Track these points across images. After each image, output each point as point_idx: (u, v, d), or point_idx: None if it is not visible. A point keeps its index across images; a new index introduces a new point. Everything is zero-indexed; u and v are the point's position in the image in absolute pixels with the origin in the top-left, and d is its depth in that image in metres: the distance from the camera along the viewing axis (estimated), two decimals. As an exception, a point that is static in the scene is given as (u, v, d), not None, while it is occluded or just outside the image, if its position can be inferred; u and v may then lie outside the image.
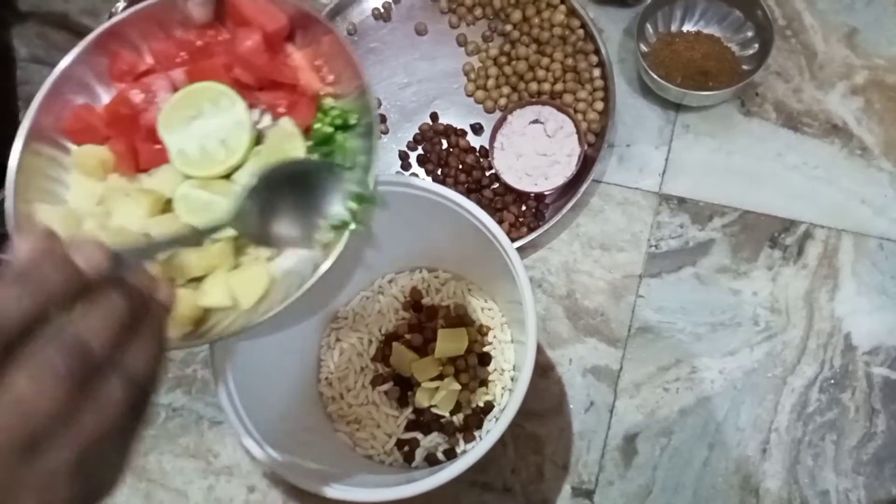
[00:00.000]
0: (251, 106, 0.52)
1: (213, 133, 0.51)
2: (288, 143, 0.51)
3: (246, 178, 0.50)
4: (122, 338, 0.32)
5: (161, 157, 0.52)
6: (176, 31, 0.54)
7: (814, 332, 0.74)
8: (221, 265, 0.49)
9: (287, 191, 0.47)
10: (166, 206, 0.51)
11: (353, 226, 0.48)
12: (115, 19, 0.53)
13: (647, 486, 0.71)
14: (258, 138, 0.52)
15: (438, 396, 0.69)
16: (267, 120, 0.52)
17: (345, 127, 0.51)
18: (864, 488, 0.69)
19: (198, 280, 0.50)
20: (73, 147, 0.53)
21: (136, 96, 0.53)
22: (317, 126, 0.51)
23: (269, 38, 0.52)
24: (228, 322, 0.49)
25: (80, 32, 0.93)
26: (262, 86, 0.53)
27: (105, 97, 0.54)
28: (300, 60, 0.53)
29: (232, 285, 0.49)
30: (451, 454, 0.70)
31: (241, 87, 0.52)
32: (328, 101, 0.52)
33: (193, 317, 0.49)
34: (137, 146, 0.52)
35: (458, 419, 0.70)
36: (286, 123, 0.51)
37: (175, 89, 0.53)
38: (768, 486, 0.70)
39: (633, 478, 0.72)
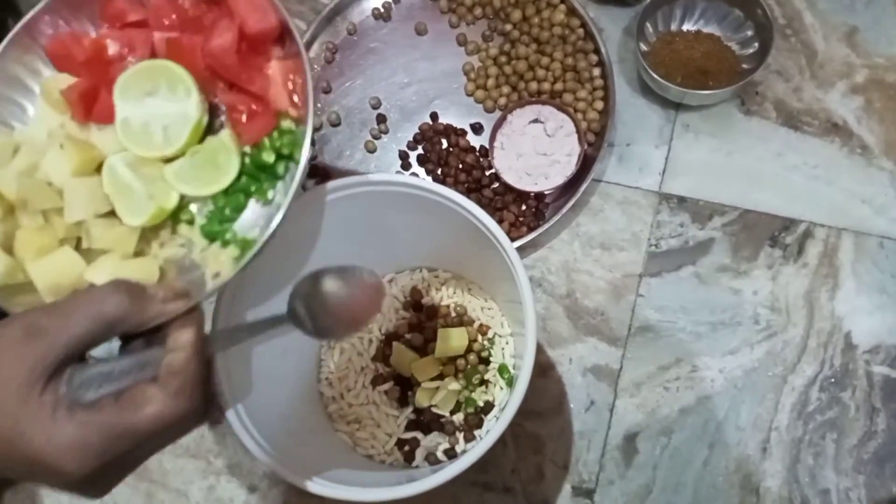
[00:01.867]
0: (211, 103, 0.51)
1: (159, 116, 0.49)
2: (223, 156, 0.49)
3: (172, 171, 0.49)
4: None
5: (113, 116, 0.50)
6: None
7: (814, 331, 0.74)
8: (118, 250, 0.49)
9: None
10: (97, 170, 0.50)
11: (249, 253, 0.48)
12: None
13: (648, 486, 0.71)
14: (201, 138, 0.50)
15: (438, 396, 0.69)
16: (219, 124, 0.51)
17: (288, 158, 0.50)
18: (864, 487, 0.70)
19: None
20: (46, 73, 0.52)
21: (112, 46, 0.51)
22: (256, 155, 0.50)
23: (250, 38, 0.50)
24: None
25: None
26: (231, 84, 0.51)
27: (92, 33, 0.53)
28: (276, 71, 0.51)
29: (119, 273, 0.47)
30: (451, 454, 0.70)
31: (212, 77, 0.50)
32: (287, 124, 0.50)
33: (72, 285, 0.47)
34: (100, 94, 0.50)
35: (458, 419, 0.71)
36: (226, 137, 0.49)
37: (153, 53, 0.51)
38: (769, 485, 0.70)
39: (634, 477, 0.72)
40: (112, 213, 0.49)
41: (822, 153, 0.79)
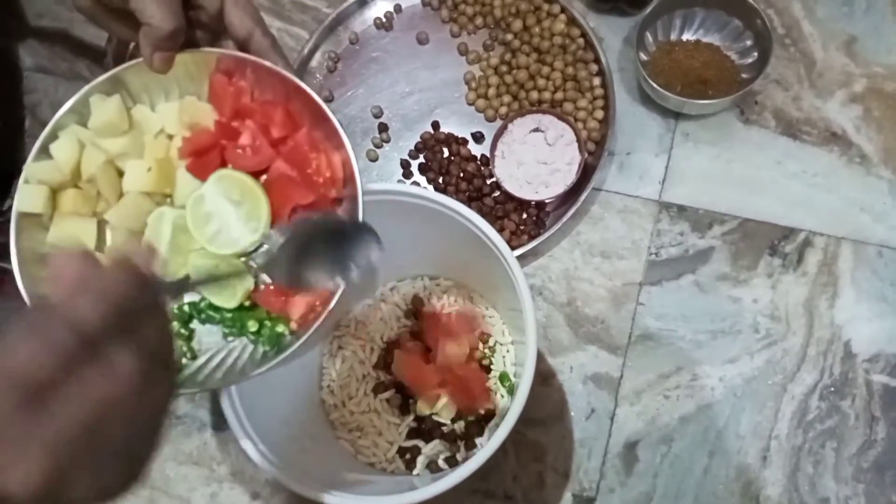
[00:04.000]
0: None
1: (223, 220, 0.52)
2: (237, 280, 0.52)
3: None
4: (126, 315, 0.33)
5: (205, 175, 0.53)
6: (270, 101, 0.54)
7: (814, 340, 0.74)
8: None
9: (318, 241, 0.48)
10: (161, 199, 0.54)
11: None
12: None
13: (648, 494, 0.71)
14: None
15: (440, 404, 0.69)
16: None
17: (259, 338, 0.53)
18: (864, 496, 0.70)
19: None
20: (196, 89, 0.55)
21: (245, 135, 0.53)
22: (251, 314, 0.53)
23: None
24: None
25: (85, 43, 0.94)
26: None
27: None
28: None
29: None
30: (452, 462, 0.70)
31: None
32: (280, 327, 0.52)
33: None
34: (209, 154, 0.53)
35: (459, 427, 0.71)
36: (241, 267, 0.52)
37: (263, 170, 0.53)
38: (769, 493, 0.70)
39: (634, 485, 0.72)
40: (140, 233, 0.53)
41: (822, 162, 0.80)
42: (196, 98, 0.54)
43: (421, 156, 0.84)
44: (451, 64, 0.87)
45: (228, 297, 0.52)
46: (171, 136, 0.55)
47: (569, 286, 0.78)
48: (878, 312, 0.74)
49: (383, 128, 0.85)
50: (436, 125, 0.85)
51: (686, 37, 0.84)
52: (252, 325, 0.52)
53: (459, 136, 0.84)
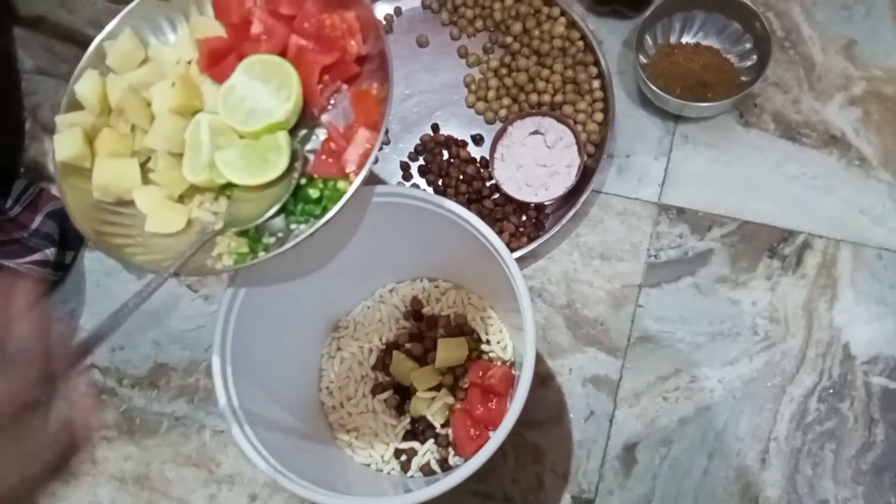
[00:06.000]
0: (304, 120, 0.57)
1: (256, 99, 0.54)
2: (273, 153, 0.54)
3: (222, 158, 0.54)
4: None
5: (226, 79, 0.56)
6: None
7: (813, 342, 0.74)
8: (168, 189, 0.56)
9: None
10: (191, 115, 0.56)
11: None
12: None
13: (647, 496, 0.71)
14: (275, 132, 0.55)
15: (434, 407, 0.69)
16: (298, 138, 0.57)
17: (322, 205, 0.54)
18: (863, 497, 0.70)
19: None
20: (201, 10, 0.59)
21: (257, 25, 0.57)
22: (310, 185, 0.55)
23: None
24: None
25: (85, 44, 0.94)
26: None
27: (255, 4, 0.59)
28: (360, 136, 0.55)
29: (158, 206, 0.56)
30: (445, 466, 0.70)
31: (322, 97, 0.56)
32: (342, 184, 0.54)
33: (118, 195, 0.56)
34: (227, 57, 0.57)
35: (451, 432, 0.70)
36: (282, 138, 0.54)
37: (284, 50, 0.56)
38: (768, 494, 0.70)
39: (633, 487, 0.72)
40: (180, 156, 0.56)
41: (821, 164, 0.80)
42: (198, 13, 0.59)
43: (421, 158, 0.84)
44: (450, 66, 0.87)
45: (269, 169, 0.54)
46: (189, 62, 0.58)
47: (568, 288, 0.78)
48: (877, 315, 0.74)
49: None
50: (435, 127, 0.85)
51: (685, 40, 0.84)
52: (314, 193, 0.54)
53: (459, 138, 0.84)
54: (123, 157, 0.56)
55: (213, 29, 0.58)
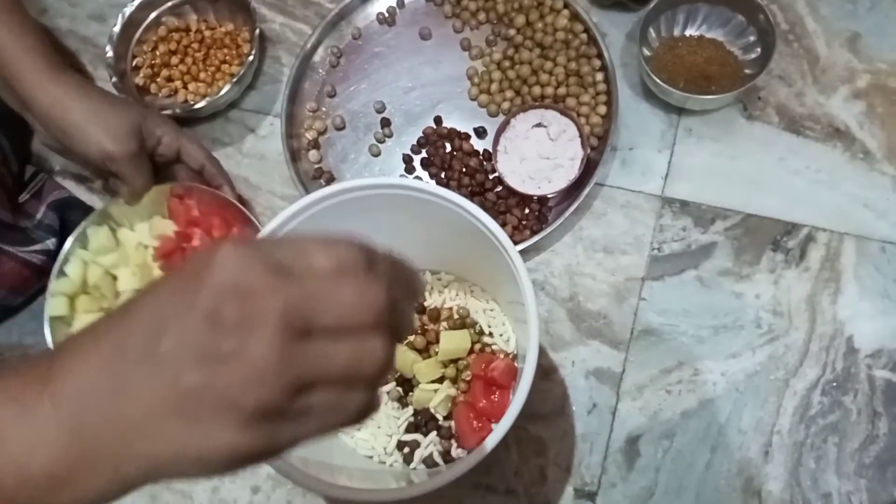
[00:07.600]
0: None
1: None
2: None
3: None
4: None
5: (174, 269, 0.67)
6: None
7: (816, 335, 0.74)
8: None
9: None
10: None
11: None
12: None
13: (650, 489, 0.71)
14: None
15: (437, 399, 0.69)
16: None
17: None
18: (866, 491, 0.70)
19: None
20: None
21: (196, 238, 0.76)
22: None
23: None
24: None
25: (87, 38, 0.94)
26: None
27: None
28: None
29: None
30: (448, 458, 0.70)
31: None
32: None
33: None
34: (174, 256, 0.76)
35: (454, 424, 0.70)
36: None
37: (204, 249, 0.66)
38: (770, 488, 0.70)
39: (636, 480, 0.72)
40: None
41: (825, 158, 0.80)
42: (160, 216, 0.78)
43: (423, 151, 0.84)
44: (453, 59, 0.87)
45: None
46: (146, 246, 0.78)
47: (571, 281, 0.78)
48: (881, 308, 0.74)
49: (386, 123, 0.85)
50: (438, 120, 0.85)
51: (689, 32, 0.84)
52: None
53: (462, 131, 0.84)
54: (96, 314, 0.74)
55: (166, 227, 0.77)
